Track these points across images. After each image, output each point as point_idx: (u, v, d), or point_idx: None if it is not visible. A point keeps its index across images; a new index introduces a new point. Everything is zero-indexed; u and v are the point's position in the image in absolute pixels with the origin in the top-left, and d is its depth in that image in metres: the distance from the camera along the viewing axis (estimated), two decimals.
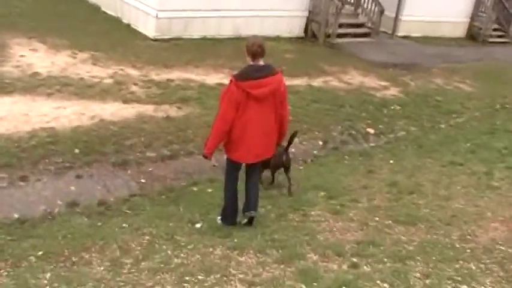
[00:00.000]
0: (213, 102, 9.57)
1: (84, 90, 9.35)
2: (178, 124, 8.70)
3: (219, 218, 6.07)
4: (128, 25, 13.84)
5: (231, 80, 5.41)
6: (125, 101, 9.16)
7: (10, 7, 14.39)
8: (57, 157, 7.22)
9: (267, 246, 5.33)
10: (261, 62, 5.47)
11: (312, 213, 6.35)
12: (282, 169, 7.11)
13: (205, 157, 5.69)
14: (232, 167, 5.89)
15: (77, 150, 7.43)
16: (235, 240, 5.49)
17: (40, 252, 5.15)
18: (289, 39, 15.25)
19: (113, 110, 8.76)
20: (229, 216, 5.98)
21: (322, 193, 7.05)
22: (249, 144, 5.53)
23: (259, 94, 5.35)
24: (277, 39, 14.63)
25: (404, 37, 18.19)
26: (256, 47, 5.31)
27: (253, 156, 5.69)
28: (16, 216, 6.17)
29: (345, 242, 5.56)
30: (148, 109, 9.03)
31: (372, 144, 9.94)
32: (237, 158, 5.71)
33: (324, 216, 6.25)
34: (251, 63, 5.42)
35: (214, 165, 7.86)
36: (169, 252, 5.19)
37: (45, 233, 5.65)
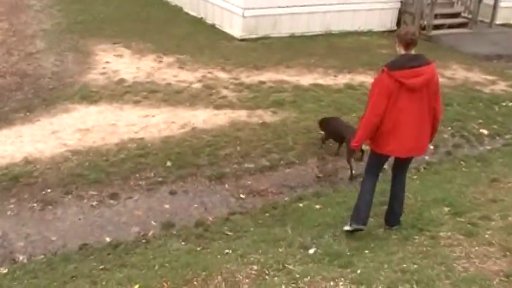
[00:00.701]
0: (310, 105, 8.81)
1: (172, 96, 8.80)
2: (275, 130, 7.95)
3: (347, 226, 5.38)
4: (213, 25, 13.28)
5: (382, 70, 5.03)
6: (217, 107, 8.52)
7: (94, 13, 14.22)
8: (148, 171, 6.65)
9: (398, 280, 4.47)
10: (413, 52, 5.10)
11: (441, 234, 5.41)
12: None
13: (353, 150, 6.23)
14: (376, 162, 5.39)
15: (169, 163, 6.83)
16: (359, 271, 4.65)
17: (136, 286, 4.52)
18: (382, 33, 14.18)
19: (204, 117, 8.13)
20: (362, 215, 5.32)
21: (446, 209, 6.07)
22: (400, 138, 5.09)
23: (413, 84, 4.96)
24: (369, 33, 13.64)
25: (503, 25, 16.69)
26: (410, 36, 5.04)
27: (406, 150, 5.20)
28: (108, 240, 5.62)
29: (490, 273, 4.61)
30: (241, 115, 8.35)
31: (488, 147, 8.78)
32: (387, 151, 5.19)
33: (455, 239, 5.30)
34: (403, 52, 5.09)
35: (318, 176, 7.09)
36: (283, 286, 4.42)
37: (140, 261, 5.02)
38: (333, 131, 7.48)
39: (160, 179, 6.54)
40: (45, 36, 12.09)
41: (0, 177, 6.43)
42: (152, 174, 6.60)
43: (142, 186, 6.42)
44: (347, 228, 5.41)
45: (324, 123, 7.62)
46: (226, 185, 6.65)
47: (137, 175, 6.56)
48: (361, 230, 5.37)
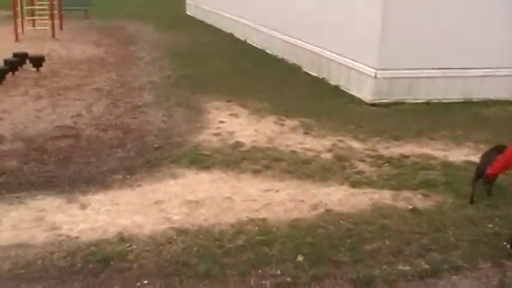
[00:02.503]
0: (467, 188, 7.03)
1: (298, 167, 7.33)
2: (430, 220, 6.22)
3: None
4: (336, 87, 11.90)
5: None
6: (353, 184, 6.94)
7: (206, 68, 13.40)
8: (273, 267, 5.10)
9: None
10: None
11: None
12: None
13: (488, 178, 6.25)
14: None
15: (300, 258, 5.26)
16: None
17: None
18: None
19: (339, 196, 6.56)
20: None
21: None
22: None
23: None
24: None
25: None
26: None
27: None
28: None
29: None
30: (385, 196, 6.70)
31: None
32: None
33: None
34: None
35: None
36: None
37: None
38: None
39: (289, 279, 4.96)
40: (154, 89, 11.26)
41: (88, 257, 5.13)
42: (278, 272, 5.04)
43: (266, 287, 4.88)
44: None
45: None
46: None
47: (259, 271, 5.03)
48: None
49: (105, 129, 8.69)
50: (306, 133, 8.70)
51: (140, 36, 19.42)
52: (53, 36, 18.67)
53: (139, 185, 6.67)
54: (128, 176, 6.92)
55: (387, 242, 5.67)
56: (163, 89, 11.31)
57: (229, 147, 7.87)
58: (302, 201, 6.36)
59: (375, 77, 10.80)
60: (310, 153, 7.82)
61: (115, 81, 12.04)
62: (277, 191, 6.57)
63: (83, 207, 6.10)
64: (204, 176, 6.93)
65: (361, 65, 11.22)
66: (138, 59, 14.90)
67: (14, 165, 7.25)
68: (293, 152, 7.84)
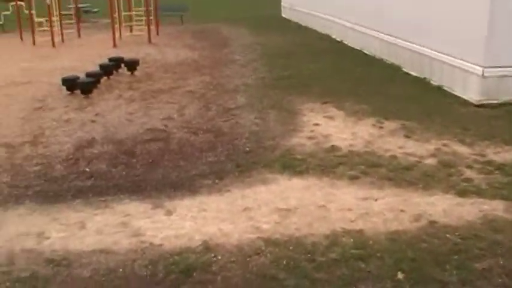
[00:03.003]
0: None
1: (399, 173, 6.78)
2: None
3: None
4: (439, 87, 11.15)
5: None
6: (460, 193, 6.30)
7: (301, 69, 13.03)
8: (369, 284, 4.62)
9: None
10: None
11: None
12: None
13: None
14: None
15: (400, 275, 4.74)
16: None
17: None
18: None
19: (444, 207, 5.96)
20: None
21: None
22: None
23: None
24: None
25: None
26: None
27: None
28: None
29: None
30: (496, 207, 6.02)
31: None
32: None
33: None
34: None
35: None
36: None
37: None
38: None
39: None
40: (247, 91, 11.01)
41: (170, 267, 4.87)
42: None
43: None
44: None
45: None
46: None
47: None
48: None
49: (196, 133, 8.50)
50: (407, 136, 8.10)
51: (235, 39, 19.35)
52: (149, 41, 18.97)
53: (229, 191, 6.38)
54: (217, 181, 6.66)
55: (500, 261, 5.03)
56: (256, 91, 11.04)
57: (324, 151, 7.44)
58: (403, 211, 5.82)
59: (482, 75, 9.98)
60: (412, 159, 7.23)
61: (208, 84, 11.92)
62: (376, 200, 6.07)
63: (169, 213, 5.89)
64: (297, 182, 6.54)
65: (466, 63, 10.42)
66: (232, 62, 14.76)
67: (102, 168, 7.20)
68: (393, 157, 7.29)
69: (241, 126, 8.71)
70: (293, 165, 6.98)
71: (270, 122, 8.90)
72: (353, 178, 6.61)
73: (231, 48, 17.25)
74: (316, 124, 8.62)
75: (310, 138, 7.99)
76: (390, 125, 8.61)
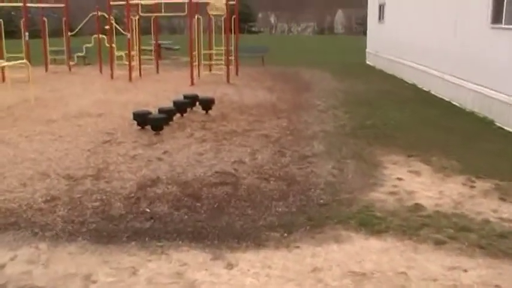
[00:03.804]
0: None
1: (492, 241, 6.07)
2: None
3: None
4: None
5: None
6: None
7: (384, 118, 12.55)
8: None
9: None
10: None
11: None
12: None
13: None
14: None
15: None
16: None
17: None
18: None
19: None
20: None
21: None
22: None
23: None
24: None
25: None
26: None
27: None
28: None
29: None
30: None
31: None
32: None
33: None
34: None
35: None
36: None
37: None
38: None
39: None
40: (325, 139, 10.59)
41: None
42: None
43: None
44: None
45: None
46: None
47: None
48: None
49: (267, 179, 8.10)
50: (501, 199, 7.38)
51: (316, 84, 19.10)
52: (228, 81, 18.99)
53: (297, 247, 5.88)
54: (285, 235, 6.18)
55: None
56: (335, 139, 10.58)
57: (407, 210, 6.84)
58: (497, 286, 5.15)
59: None
60: (508, 225, 6.52)
61: (284, 129, 11.58)
62: (465, 271, 5.41)
63: (229, 266, 5.45)
64: (375, 243, 5.97)
65: None
66: (311, 107, 14.43)
67: (164, 210, 6.88)
68: (486, 221, 6.60)
69: (316, 176, 8.25)
70: (371, 223, 6.41)
71: (348, 173, 8.39)
72: (439, 243, 5.97)
73: (311, 93, 17.01)
74: (399, 179, 8.04)
75: (391, 194, 7.41)
76: (482, 184, 7.91)
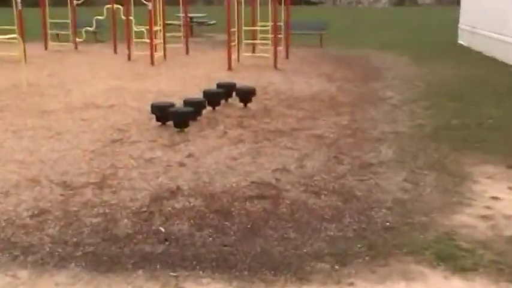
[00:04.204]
0: None
1: None
2: None
3: None
4: None
5: None
6: None
7: (478, 116, 12.46)
8: None
9: None
10: None
11: None
12: None
13: None
14: None
15: None
16: None
17: None
18: None
19: None
20: None
21: None
22: None
23: None
24: None
25: None
26: None
27: None
28: None
29: None
30: None
31: None
32: None
33: None
34: None
35: None
36: None
37: None
38: None
39: None
40: (397, 142, 10.52)
41: None
42: None
43: None
44: None
45: None
46: None
47: None
48: None
49: (318, 193, 8.04)
50: None
51: (388, 70, 19.04)
52: (275, 65, 19.02)
53: (352, 284, 5.77)
54: (336, 267, 6.08)
55: None
56: (410, 143, 10.49)
57: (505, 241, 6.64)
58: None
59: None
60: None
61: (344, 128, 11.56)
62: None
63: None
64: (458, 285, 5.79)
65: None
66: (381, 100, 14.41)
67: (183, 229, 6.89)
68: None
69: (382, 191, 8.15)
70: (454, 256, 6.25)
71: (425, 188, 8.26)
72: None
73: (382, 82, 17.02)
74: (495, 198, 7.85)
75: (483, 218, 7.23)
76: None
